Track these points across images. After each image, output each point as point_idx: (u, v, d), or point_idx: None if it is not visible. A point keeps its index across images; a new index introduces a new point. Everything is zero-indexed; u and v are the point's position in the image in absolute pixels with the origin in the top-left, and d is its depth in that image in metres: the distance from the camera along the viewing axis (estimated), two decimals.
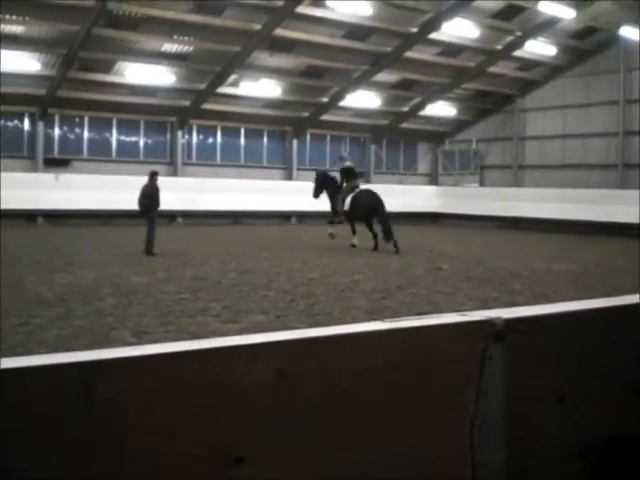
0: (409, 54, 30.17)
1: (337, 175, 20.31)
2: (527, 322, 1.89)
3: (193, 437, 1.35)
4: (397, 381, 1.64)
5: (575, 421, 2.01)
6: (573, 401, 1.99)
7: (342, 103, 33.62)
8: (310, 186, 20.67)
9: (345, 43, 29.17)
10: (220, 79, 29.46)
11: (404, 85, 34.12)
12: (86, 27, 24.10)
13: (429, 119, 37.55)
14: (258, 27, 26.44)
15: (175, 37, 27.22)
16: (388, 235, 17.96)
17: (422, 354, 1.72)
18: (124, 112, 30.71)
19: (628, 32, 29.59)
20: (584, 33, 31.32)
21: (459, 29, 28.88)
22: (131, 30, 25.99)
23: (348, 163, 20.34)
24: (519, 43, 30.75)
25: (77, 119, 30.54)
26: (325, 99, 33.52)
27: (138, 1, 24.19)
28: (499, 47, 31.15)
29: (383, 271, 14.24)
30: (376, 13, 27.04)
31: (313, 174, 21.62)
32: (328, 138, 36.66)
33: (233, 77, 30.02)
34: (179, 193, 27.18)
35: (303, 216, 31.71)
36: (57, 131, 30.26)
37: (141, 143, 32.10)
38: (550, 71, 34.66)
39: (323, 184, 20.19)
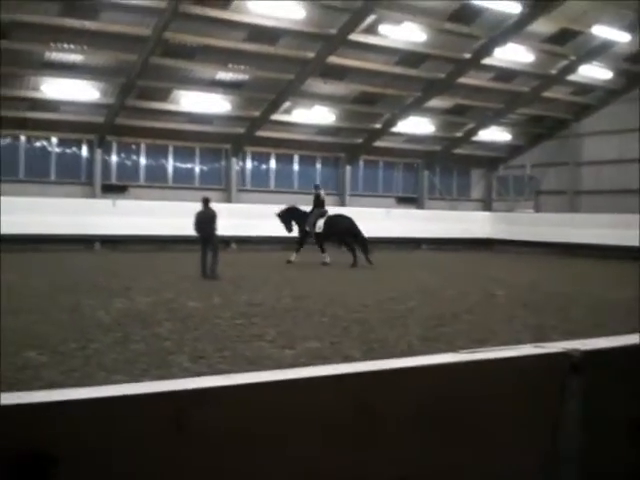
0: (462, 80, 30.11)
1: (306, 208, 22.56)
2: (604, 354, 1.86)
3: (287, 468, 1.35)
4: (474, 413, 1.63)
5: None
6: None
7: (395, 129, 33.65)
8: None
9: (398, 70, 29.26)
10: (274, 106, 29.80)
11: (457, 111, 34.02)
12: (143, 56, 24.68)
13: (482, 144, 37.29)
14: (312, 55, 26.75)
15: (230, 65, 27.68)
16: (367, 254, 21.38)
17: (498, 386, 1.70)
18: (180, 139, 31.23)
19: None
20: (639, 56, 30.87)
21: (512, 54, 28.75)
22: (187, 59, 26.54)
23: (322, 192, 23.13)
24: (573, 67, 30.45)
25: (134, 146, 31.16)
26: (378, 125, 33.57)
27: (194, 30, 24.70)
28: (553, 72, 30.85)
29: (437, 297, 14.12)
30: (429, 40, 27.09)
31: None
32: (381, 164, 36.66)
33: (287, 104, 30.34)
34: (233, 219, 27.38)
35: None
36: (114, 158, 30.87)
37: (197, 170, 32.56)
38: (605, 95, 34.17)
39: (292, 218, 22.52)
